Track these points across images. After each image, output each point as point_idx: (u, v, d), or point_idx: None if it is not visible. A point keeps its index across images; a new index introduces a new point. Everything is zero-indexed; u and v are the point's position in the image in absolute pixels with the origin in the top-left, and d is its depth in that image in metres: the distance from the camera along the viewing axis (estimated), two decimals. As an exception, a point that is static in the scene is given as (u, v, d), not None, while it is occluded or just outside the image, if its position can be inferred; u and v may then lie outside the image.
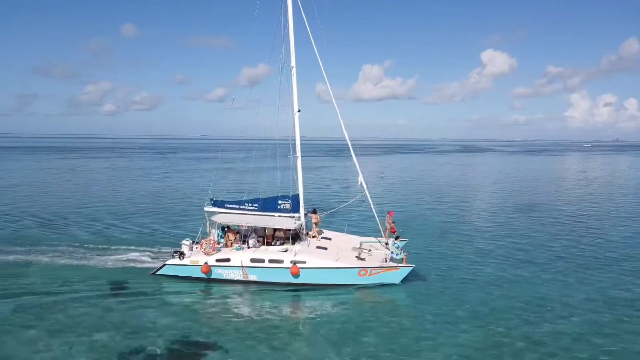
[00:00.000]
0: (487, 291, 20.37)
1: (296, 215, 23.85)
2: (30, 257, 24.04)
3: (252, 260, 20.94)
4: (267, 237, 23.14)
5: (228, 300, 19.37)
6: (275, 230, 23.33)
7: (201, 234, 23.25)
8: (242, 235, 23.37)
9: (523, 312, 18.07)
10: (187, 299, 19.32)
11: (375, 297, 19.78)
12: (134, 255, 24.57)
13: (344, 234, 25.75)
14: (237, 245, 22.27)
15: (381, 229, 23.85)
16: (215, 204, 24.44)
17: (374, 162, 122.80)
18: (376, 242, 24.34)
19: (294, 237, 22.78)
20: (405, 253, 21.29)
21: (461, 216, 39.25)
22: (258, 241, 22.75)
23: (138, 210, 39.32)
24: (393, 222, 25.92)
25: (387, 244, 23.49)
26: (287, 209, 23.83)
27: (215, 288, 20.70)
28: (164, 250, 25.37)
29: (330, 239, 24.58)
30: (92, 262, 23.39)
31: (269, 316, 17.60)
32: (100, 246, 26.34)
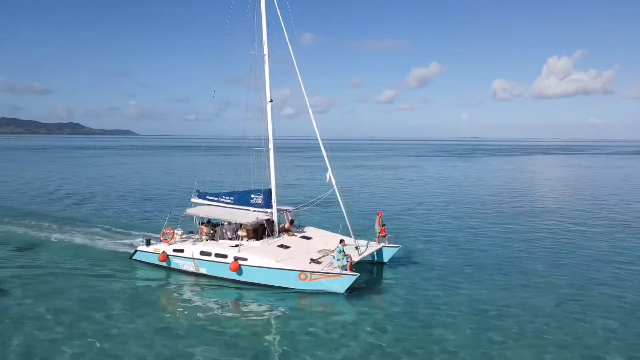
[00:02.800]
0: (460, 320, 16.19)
1: (268, 210, 22.57)
2: (59, 235, 27.65)
3: (202, 253, 20.52)
4: (248, 232, 22.42)
5: (172, 290, 19.29)
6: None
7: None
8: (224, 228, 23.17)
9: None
10: (139, 285, 19.74)
11: (312, 304, 17.43)
12: (137, 240, 26.33)
13: (334, 234, 23.42)
14: (204, 237, 22.08)
15: (350, 228, 21.01)
16: (200, 195, 24.72)
17: (484, 163, 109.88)
18: (364, 245, 21.64)
19: (263, 232, 21.68)
20: (349, 260, 18.23)
21: (479, 224, 32.85)
22: (234, 235, 22.15)
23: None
24: (383, 224, 22.65)
25: (357, 247, 20.65)
26: (259, 204, 22.76)
27: (172, 277, 20.84)
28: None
29: (310, 237, 22.65)
30: (93, 243, 25.88)
31: (195, 312, 16.69)
32: (117, 229, 29.03)
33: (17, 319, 15.88)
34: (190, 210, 23.12)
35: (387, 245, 22.46)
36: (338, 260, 18.05)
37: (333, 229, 24.82)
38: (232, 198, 23.63)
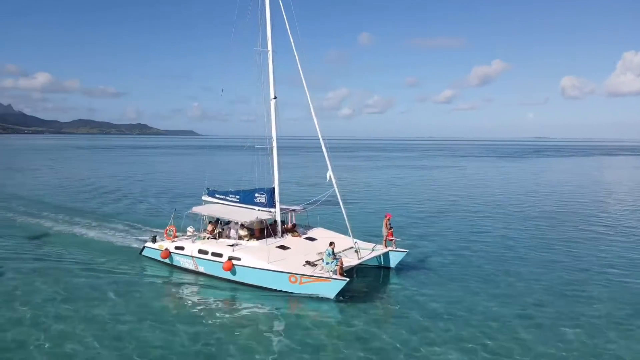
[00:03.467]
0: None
1: (272, 210, 22.03)
2: (77, 229, 28.71)
3: (200, 251, 20.34)
4: (255, 231, 22.07)
5: (167, 287, 19.24)
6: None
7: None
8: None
9: None
10: (136, 280, 19.80)
11: (302, 309, 16.65)
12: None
13: (342, 236, 22.41)
14: (207, 235, 21.93)
15: (349, 229, 19.99)
16: (209, 193, 24.69)
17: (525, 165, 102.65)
18: (369, 248, 20.67)
19: (271, 232, 21.20)
20: (338, 264, 17.19)
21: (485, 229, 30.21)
22: (237, 234, 21.82)
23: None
24: (391, 227, 21.40)
25: (354, 249, 19.62)
26: (262, 203, 22.29)
27: (173, 274, 20.82)
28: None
29: (315, 239, 21.85)
30: (110, 237, 26.62)
31: (182, 311, 16.51)
32: (139, 225, 29.72)
33: (16, 304, 16.58)
34: (195, 209, 23.08)
35: (394, 249, 21.20)
36: (327, 263, 17.13)
37: (344, 230, 23.88)
38: (237, 197, 23.37)
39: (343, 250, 20.03)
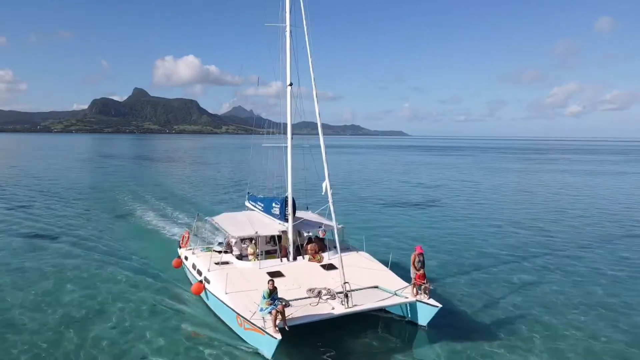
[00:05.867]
0: None
1: (285, 224, 17.85)
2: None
3: (192, 266, 17.66)
4: (281, 248, 18.59)
5: (157, 301, 17.01)
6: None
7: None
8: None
9: None
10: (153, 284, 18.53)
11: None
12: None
13: (383, 268, 16.65)
14: (217, 249, 19.18)
15: (341, 261, 14.25)
16: (249, 198, 21.98)
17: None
18: (390, 293, 14.92)
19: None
20: (274, 310, 11.89)
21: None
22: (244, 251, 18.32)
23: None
24: (422, 265, 14.71)
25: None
26: (277, 215, 18.32)
27: (179, 287, 18.82)
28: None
29: (335, 268, 16.75)
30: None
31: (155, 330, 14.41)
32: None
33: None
34: (213, 217, 20.38)
35: (423, 300, 14.41)
36: (261, 310, 12.17)
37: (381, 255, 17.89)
38: (262, 204, 19.95)
39: (349, 291, 14.23)
